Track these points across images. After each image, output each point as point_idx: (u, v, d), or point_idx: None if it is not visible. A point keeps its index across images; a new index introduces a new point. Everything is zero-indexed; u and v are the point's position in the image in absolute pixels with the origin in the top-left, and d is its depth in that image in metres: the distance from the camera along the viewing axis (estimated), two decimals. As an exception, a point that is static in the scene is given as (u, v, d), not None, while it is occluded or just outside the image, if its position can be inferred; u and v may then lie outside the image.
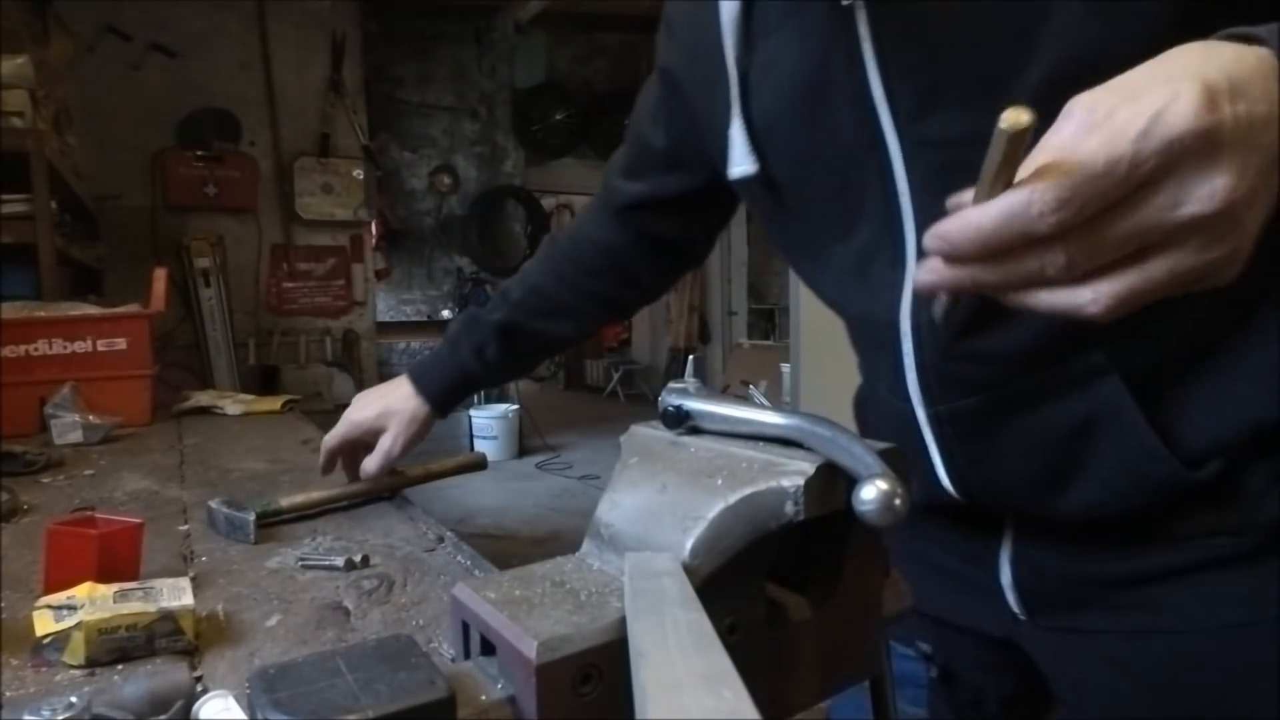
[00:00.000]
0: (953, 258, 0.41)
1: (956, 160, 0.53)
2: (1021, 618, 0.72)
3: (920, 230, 0.60)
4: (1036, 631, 0.72)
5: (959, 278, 0.42)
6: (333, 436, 1.08)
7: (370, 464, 1.05)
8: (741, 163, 0.69)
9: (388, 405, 1.05)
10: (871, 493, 0.37)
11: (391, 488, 1.12)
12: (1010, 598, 0.72)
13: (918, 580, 0.81)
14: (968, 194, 0.42)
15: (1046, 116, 0.45)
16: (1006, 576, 0.71)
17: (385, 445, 1.04)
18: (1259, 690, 0.62)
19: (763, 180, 0.70)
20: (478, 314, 1.04)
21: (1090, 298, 0.39)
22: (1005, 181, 0.39)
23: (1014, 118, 0.37)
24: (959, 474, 0.68)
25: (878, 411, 0.77)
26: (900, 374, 0.67)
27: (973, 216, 0.40)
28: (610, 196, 0.98)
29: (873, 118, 0.60)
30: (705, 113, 0.75)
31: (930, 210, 0.56)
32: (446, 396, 1.05)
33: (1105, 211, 0.38)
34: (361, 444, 1.08)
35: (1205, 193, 0.37)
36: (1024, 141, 0.38)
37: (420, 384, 1.05)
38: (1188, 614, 0.64)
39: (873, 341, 0.72)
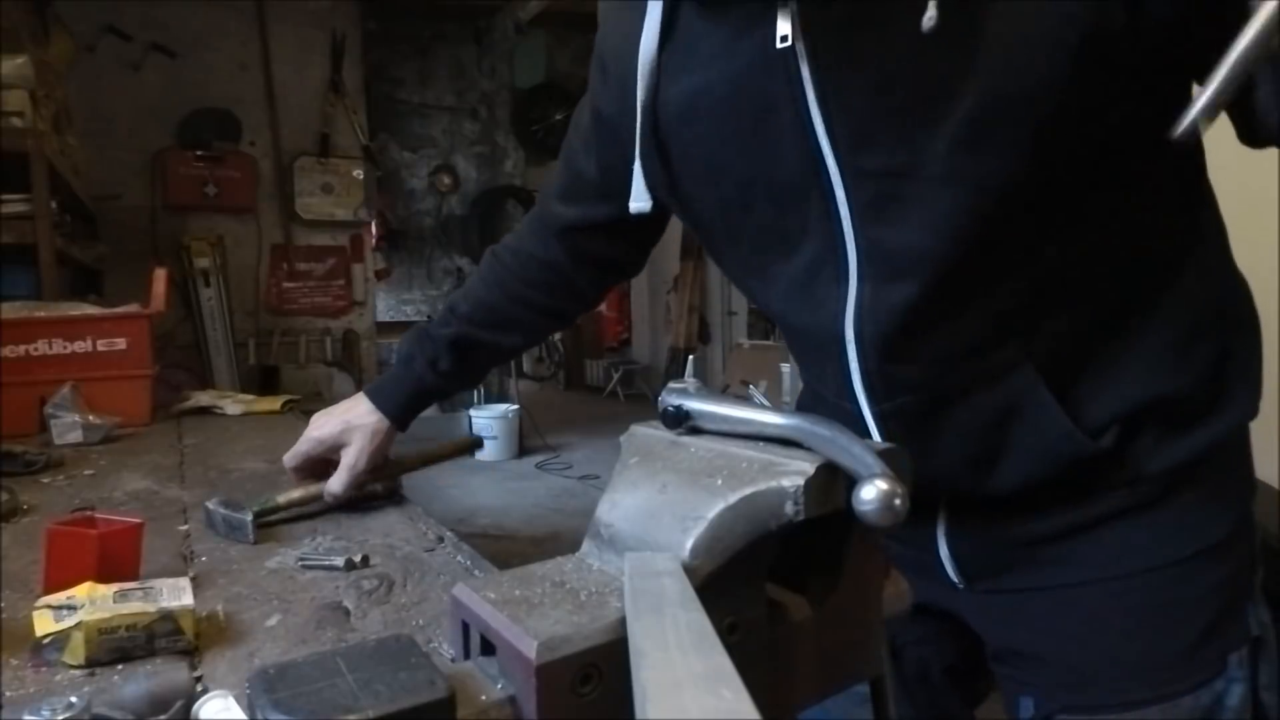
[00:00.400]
0: None
1: (893, 188, 0.61)
2: (959, 586, 0.79)
3: (861, 249, 0.65)
4: (974, 597, 0.79)
5: None
6: (293, 456, 1.08)
7: (335, 483, 1.04)
8: (639, 198, 0.76)
9: (348, 421, 1.06)
10: (871, 493, 0.37)
11: (389, 476, 1.11)
12: (949, 569, 0.78)
13: None
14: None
15: (966, 152, 0.53)
16: (944, 550, 0.78)
17: (349, 460, 1.04)
18: (1166, 627, 0.69)
19: (655, 217, 0.79)
20: (428, 330, 1.08)
21: None
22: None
23: None
24: None
25: (825, 413, 0.80)
26: (847, 379, 0.72)
27: None
28: (547, 218, 1.02)
29: (814, 147, 0.64)
30: (630, 147, 0.78)
31: (870, 231, 0.64)
32: (405, 410, 1.08)
33: None
34: (323, 461, 1.08)
35: None
36: None
37: (378, 400, 1.07)
38: (1097, 564, 0.71)
39: (817, 352, 0.76)
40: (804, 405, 0.87)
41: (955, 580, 0.79)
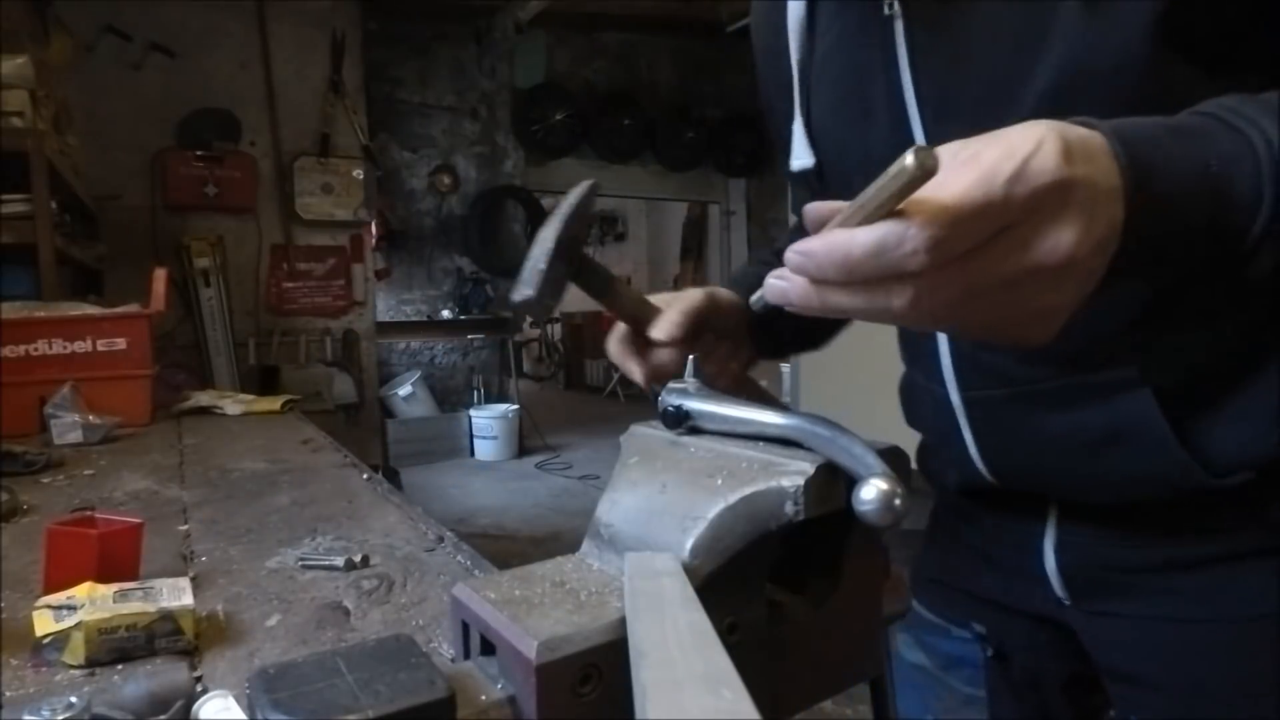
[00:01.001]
0: (814, 279, 0.41)
1: None
2: (1066, 602, 0.75)
3: None
4: (1081, 615, 0.75)
5: (808, 298, 0.42)
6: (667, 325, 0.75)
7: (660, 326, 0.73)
8: (801, 156, 0.74)
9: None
10: (871, 493, 0.37)
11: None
12: (1055, 583, 0.74)
13: (969, 565, 0.84)
14: (826, 206, 0.42)
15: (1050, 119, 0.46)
16: (1050, 562, 0.73)
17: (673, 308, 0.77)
18: (1274, 681, 0.63)
19: (817, 174, 0.74)
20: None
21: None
22: (885, 214, 0.38)
23: (923, 159, 0.36)
24: (991, 460, 0.72)
25: (918, 397, 0.81)
26: (936, 360, 0.71)
27: (841, 243, 0.39)
28: None
29: (904, 119, 0.64)
30: (779, 110, 0.79)
31: None
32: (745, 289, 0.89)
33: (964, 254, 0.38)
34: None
35: (1051, 245, 0.38)
36: (921, 185, 0.37)
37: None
38: (1226, 602, 0.66)
39: (911, 330, 0.76)
40: (903, 387, 0.86)
41: (1060, 596, 0.75)
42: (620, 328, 0.75)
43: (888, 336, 0.81)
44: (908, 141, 0.63)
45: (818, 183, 0.75)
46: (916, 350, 0.77)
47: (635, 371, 0.74)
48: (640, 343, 0.73)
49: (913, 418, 0.85)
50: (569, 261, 0.65)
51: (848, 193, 0.69)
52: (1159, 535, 0.68)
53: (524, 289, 0.63)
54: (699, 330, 0.73)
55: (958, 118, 0.60)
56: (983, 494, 0.77)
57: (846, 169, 0.71)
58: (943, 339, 0.70)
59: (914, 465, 0.87)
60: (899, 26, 0.63)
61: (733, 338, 0.80)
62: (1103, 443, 0.64)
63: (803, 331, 0.89)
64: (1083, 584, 0.73)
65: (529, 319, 7.89)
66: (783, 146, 0.78)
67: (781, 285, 0.43)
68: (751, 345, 0.82)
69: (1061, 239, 0.38)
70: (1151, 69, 0.53)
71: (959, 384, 0.70)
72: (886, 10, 0.63)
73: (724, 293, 0.78)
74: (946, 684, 0.87)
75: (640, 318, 0.73)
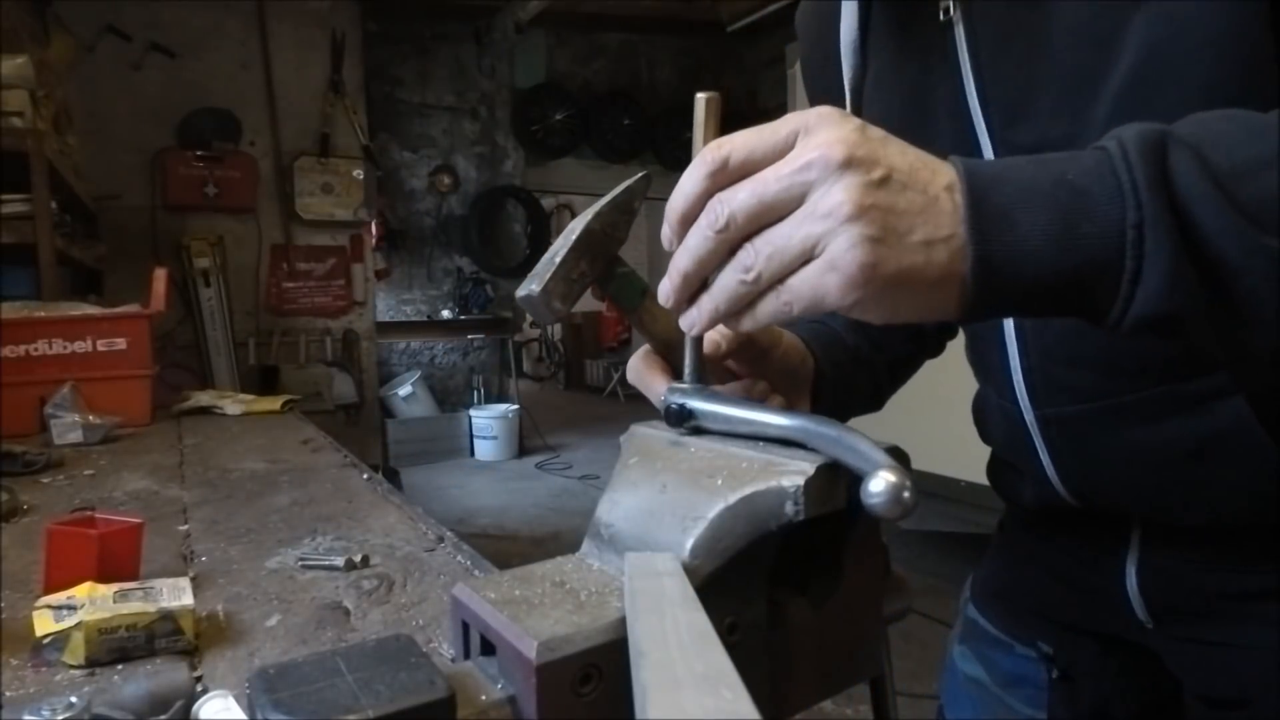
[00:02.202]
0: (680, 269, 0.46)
1: None
2: (1148, 625, 0.71)
3: None
4: (1165, 640, 0.72)
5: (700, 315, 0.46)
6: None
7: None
8: None
9: None
10: (880, 485, 0.37)
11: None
12: (1136, 606, 0.71)
13: (1038, 582, 0.81)
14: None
15: (1129, 116, 0.47)
16: (1132, 584, 0.70)
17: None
18: None
19: None
20: None
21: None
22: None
23: (704, 95, 0.49)
24: (1070, 479, 0.69)
25: (990, 415, 0.78)
26: (1008, 376, 0.68)
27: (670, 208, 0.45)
28: None
29: (969, 126, 0.63)
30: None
31: None
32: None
33: (769, 223, 0.42)
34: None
35: (835, 200, 0.40)
36: (714, 108, 0.48)
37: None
38: None
39: (983, 344, 0.73)
40: (976, 405, 0.83)
41: (1143, 619, 0.71)
42: (645, 350, 0.63)
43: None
44: (971, 147, 0.62)
45: None
46: (988, 366, 0.73)
47: (660, 390, 0.61)
48: (668, 368, 0.63)
49: (986, 436, 0.82)
50: (595, 260, 0.54)
51: None
52: (1248, 559, 0.64)
53: (530, 283, 0.53)
54: (752, 360, 0.64)
55: (1030, 120, 0.60)
56: (1057, 513, 0.74)
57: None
58: (1014, 353, 0.66)
59: (986, 480, 0.84)
60: (959, 32, 0.62)
61: (788, 390, 0.67)
62: (1195, 456, 0.61)
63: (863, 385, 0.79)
64: (1165, 607, 0.69)
65: (529, 319, 7.84)
66: None
67: (690, 314, 0.47)
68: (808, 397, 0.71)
69: (839, 196, 0.40)
70: (1242, 44, 0.52)
71: (1032, 401, 0.67)
72: (943, 16, 0.62)
73: (785, 333, 0.68)
74: (1005, 702, 0.82)
75: (674, 342, 0.60)
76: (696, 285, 0.46)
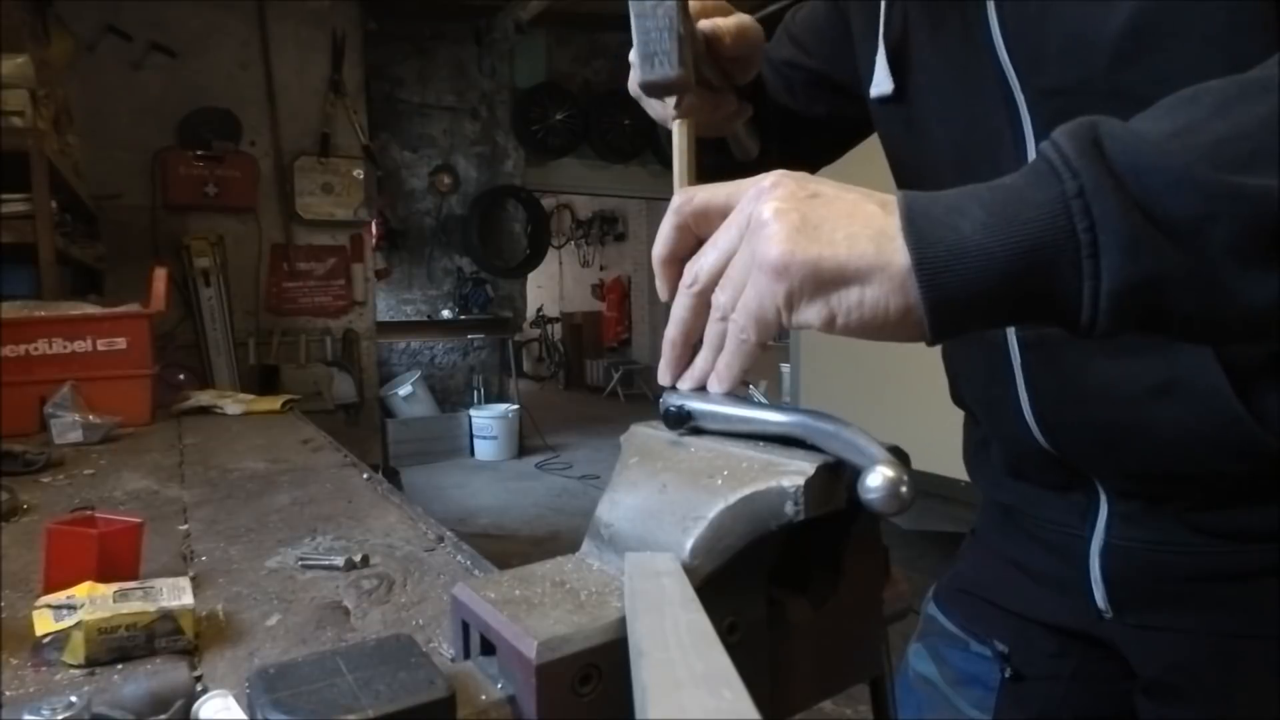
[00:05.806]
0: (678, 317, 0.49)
1: (1065, 107, 0.52)
2: (1107, 615, 0.72)
3: None
4: (1122, 629, 0.72)
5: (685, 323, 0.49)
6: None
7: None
8: (881, 84, 0.74)
9: None
10: (877, 480, 0.37)
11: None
12: (1097, 593, 0.72)
13: (1001, 575, 0.82)
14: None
15: (1128, 65, 0.52)
16: (1095, 569, 0.71)
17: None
18: None
19: (896, 101, 0.74)
20: None
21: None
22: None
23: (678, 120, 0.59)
24: (1043, 412, 0.70)
25: (969, 352, 0.79)
26: None
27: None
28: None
29: (1000, 73, 0.64)
30: (858, 36, 0.79)
31: None
32: None
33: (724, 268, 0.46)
34: None
35: (761, 213, 0.43)
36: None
37: None
38: (1263, 616, 0.64)
39: None
40: (947, 355, 0.84)
41: (1102, 607, 0.72)
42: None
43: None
44: (1005, 92, 0.64)
45: (895, 112, 0.75)
46: None
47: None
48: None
49: (958, 359, 0.82)
50: (687, 17, 0.55)
51: (934, 133, 0.72)
52: (1211, 538, 0.65)
53: (661, 67, 0.52)
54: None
55: (1048, 64, 0.61)
56: (1030, 477, 0.75)
57: (939, 107, 0.71)
58: None
59: (966, 476, 0.85)
60: None
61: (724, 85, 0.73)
62: (1158, 392, 0.62)
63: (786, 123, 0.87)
64: (1126, 593, 0.70)
65: (531, 315, 7.77)
66: (852, 77, 0.80)
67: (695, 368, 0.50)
68: (741, 100, 0.76)
69: (769, 246, 0.43)
70: (1232, 2, 0.52)
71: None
72: None
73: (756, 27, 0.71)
74: (953, 703, 0.83)
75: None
76: (687, 349, 0.50)
